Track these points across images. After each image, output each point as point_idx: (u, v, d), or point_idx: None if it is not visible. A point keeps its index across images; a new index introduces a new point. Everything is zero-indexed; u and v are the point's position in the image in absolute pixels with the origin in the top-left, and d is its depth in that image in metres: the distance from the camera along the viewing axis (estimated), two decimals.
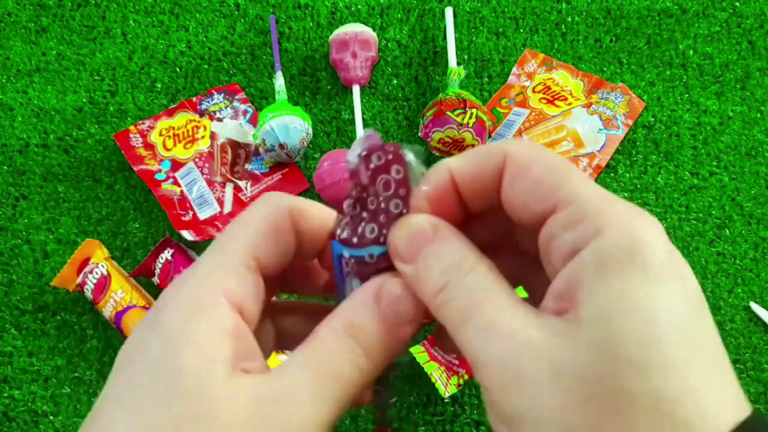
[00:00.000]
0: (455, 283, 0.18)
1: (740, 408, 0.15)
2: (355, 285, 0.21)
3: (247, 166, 0.61)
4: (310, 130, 0.59)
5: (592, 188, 0.17)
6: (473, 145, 0.56)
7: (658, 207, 0.57)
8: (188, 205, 0.58)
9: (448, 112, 0.55)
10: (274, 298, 0.24)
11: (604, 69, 0.64)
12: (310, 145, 0.61)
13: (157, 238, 0.57)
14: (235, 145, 0.60)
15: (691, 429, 0.14)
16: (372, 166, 0.20)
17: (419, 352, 0.50)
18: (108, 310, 0.51)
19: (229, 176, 0.59)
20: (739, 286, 0.54)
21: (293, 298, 0.42)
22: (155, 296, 0.53)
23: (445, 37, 0.65)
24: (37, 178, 0.60)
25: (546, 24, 0.67)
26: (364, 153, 0.20)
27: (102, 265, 0.52)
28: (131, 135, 0.61)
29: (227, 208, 0.58)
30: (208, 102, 0.64)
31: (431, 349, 0.50)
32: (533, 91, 0.63)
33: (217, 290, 0.19)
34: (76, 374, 0.52)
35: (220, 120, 0.62)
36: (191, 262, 0.54)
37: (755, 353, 0.51)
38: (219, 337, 0.18)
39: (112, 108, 0.64)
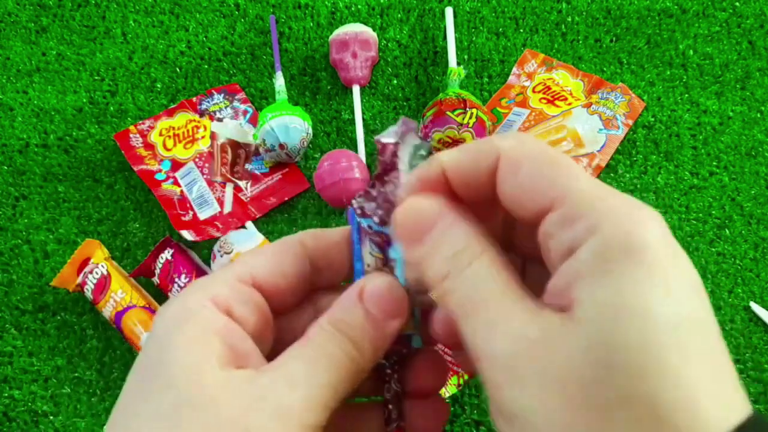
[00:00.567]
0: (457, 274, 0.18)
1: (740, 409, 0.15)
2: (373, 250, 0.22)
3: (247, 166, 0.61)
4: (310, 130, 0.59)
5: (588, 183, 0.17)
6: None
7: (658, 207, 0.57)
8: (188, 205, 0.58)
9: (448, 112, 0.55)
10: None
11: (604, 69, 0.64)
12: (310, 145, 0.61)
13: (157, 238, 0.57)
14: (235, 145, 0.60)
15: None
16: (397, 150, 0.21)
17: None
18: (108, 310, 0.51)
19: (229, 176, 0.59)
20: (739, 286, 0.54)
21: None
22: (155, 296, 0.53)
23: (445, 37, 0.65)
24: (37, 178, 0.60)
25: (546, 24, 0.67)
26: (399, 137, 0.21)
27: (102, 265, 0.52)
28: (131, 135, 0.61)
29: (227, 208, 0.58)
30: (208, 102, 0.64)
31: None
32: (533, 91, 0.63)
33: (203, 297, 0.20)
34: (76, 374, 0.52)
35: (220, 120, 0.62)
36: (191, 262, 0.54)
37: (755, 353, 0.51)
38: (207, 336, 0.19)
39: (112, 108, 0.64)
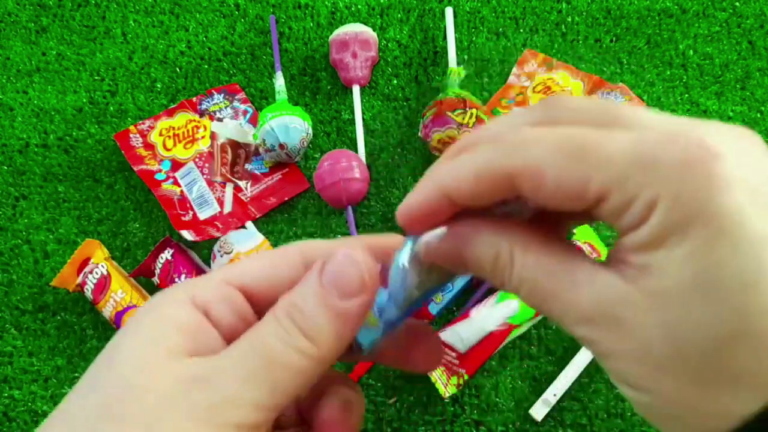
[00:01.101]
0: (510, 272, 0.18)
1: None
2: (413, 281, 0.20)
3: (247, 166, 0.61)
4: (310, 130, 0.59)
5: (626, 147, 0.15)
6: None
7: None
8: (188, 205, 0.58)
9: (448, 112, 0.55)
10: None
11: (604, 69, 0.64)
12: (310, 145, 0.61)
13: (157, 238, 0.57)
14: (235, 145, 0.60)
15: None
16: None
17: None
18: (108, 310, 0.51)
19: (229, 176, 0.59)
20: None
21: None
22: None
23: (445, 37, 0.65)
24: (37, 178, 0.60)
25: (546, 24, 0.67)
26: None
27: (102, 265, 0.52)
28: (131, 135, 0.61)
29: (227, 208, 0.58)
30: (208, 102, 0.64)
31: None
32: (533, 91, 0.63)
33: (182, 294, 0.19)
34: (76, 374, 0.51)
35: (220, 120, 0.62)
36: (191, 262, 0.54)
37: None
38: (168, 327, 0.18)
39: (112, 108, 0.64)
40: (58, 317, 0.54)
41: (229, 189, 0.59)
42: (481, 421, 0.49)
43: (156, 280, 0.53)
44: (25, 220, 0.58)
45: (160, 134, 0.62)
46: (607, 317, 0.16)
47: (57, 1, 0.71)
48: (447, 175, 0.18)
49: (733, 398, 0.15)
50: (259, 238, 0.53)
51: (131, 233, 0.58)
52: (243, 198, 0.59)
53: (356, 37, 0.63)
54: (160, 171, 0.59)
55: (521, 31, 0.67)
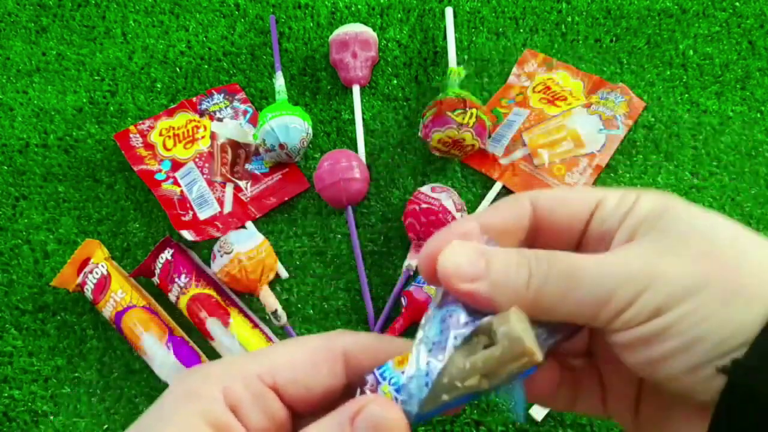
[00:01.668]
0: (538, 268, 0.19)
1: None
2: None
3: (247, 166, 0.61)
4: (310, 130, 0.59)
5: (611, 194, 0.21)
6: (473, 146, 0.56)
7: None
8: (188, 205, 0.58)
9: (448, 112, 0.55)
10: None
11: (604, 69, 0.64)
12: (310, 145, 0.61)
13: (157, 238, 0.57)
14: (235, 145, 0.61)
15: None
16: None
17: None
18: (108, 310, 0.51)
19: (229, 176, 0.59)
20: None
21: None
22: (155, 296, 0.53)
23: (445, 37, 0.65)
24: (37, 178, 0.60)
25: (546, 24, 0.67)
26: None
27: (102, 265, 0.52)
28: (131, 135, 0.61)
29: (227, 208, 0.58)
30: (208, 102, 0.64)
31: None
32: (533, 91, 0.63)
33: (214, 386, 0.20)
34: (76, 374, 0.52)
35: (220, 120, 0.62)
36: (191, 262, 0.54)
37: None
38: (199, 422, 0.19)
39: (112, 108, 0.64)
40: (58, 317, 0.54)
41: (229, 189, 0.59)
42: (481, 421, 0.49)
43: (156, 280, 0.53)
44: (25, 220, 0.58)
45: (160, 134, 0.62)
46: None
47: (57, 1, 0.71)
48: None
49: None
50: (259, 238, 0.53)
51: (131, 233, 0.58)
52: (243, 198, 0.59)
53: (356, 37, 0.63)
54: (160, 171, 0.59)
55: (521, 31, 0.67)
